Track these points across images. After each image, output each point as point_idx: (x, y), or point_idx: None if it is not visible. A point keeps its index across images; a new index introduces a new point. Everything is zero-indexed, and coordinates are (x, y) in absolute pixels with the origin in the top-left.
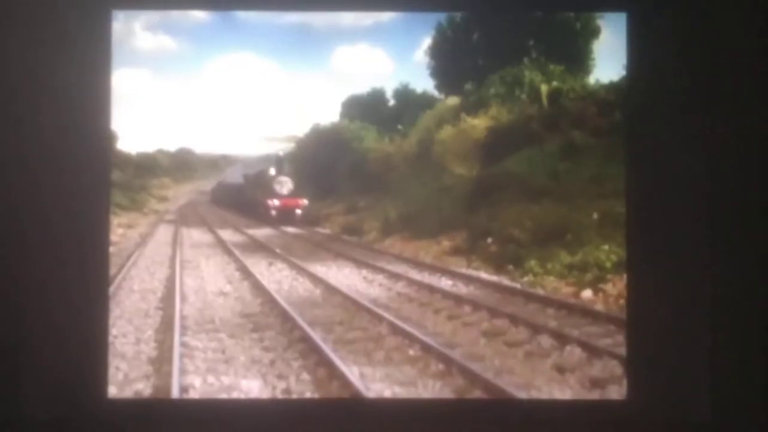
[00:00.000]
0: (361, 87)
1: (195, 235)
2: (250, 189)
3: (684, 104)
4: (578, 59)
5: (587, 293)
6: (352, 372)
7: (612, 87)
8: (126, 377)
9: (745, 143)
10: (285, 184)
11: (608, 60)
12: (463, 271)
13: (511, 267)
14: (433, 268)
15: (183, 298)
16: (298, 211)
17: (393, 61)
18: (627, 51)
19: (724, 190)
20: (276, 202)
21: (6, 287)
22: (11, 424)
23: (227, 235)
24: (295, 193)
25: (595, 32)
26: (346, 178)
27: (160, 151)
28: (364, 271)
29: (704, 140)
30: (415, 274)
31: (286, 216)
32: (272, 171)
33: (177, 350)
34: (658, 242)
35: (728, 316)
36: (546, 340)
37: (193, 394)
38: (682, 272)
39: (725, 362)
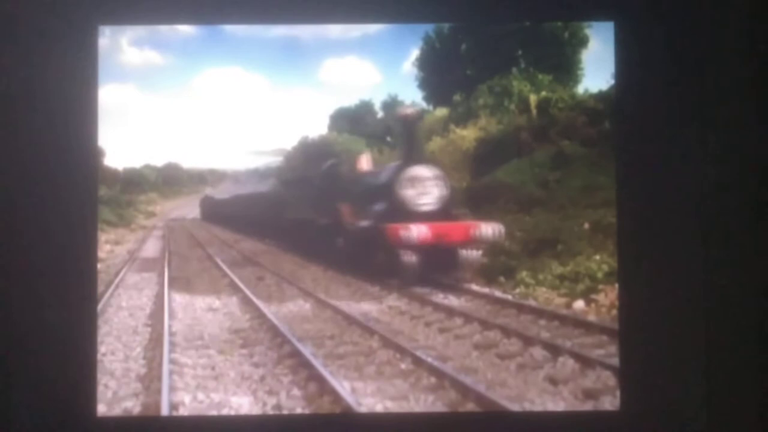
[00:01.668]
0: (350, 99)
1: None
2: (317, 201)
3: (673, 112)
4: (567, 69)
5: (579, 304)
6: (343, 387)
7: (601, 96)
8: (115, 395)
9: (735, 151)
10: (430, 188)
11: (597, 69)
12: (455, 283)
13: (502, 278)
14: (424, 281)
15: (171, 315)
16: (474, 253)
17: (381, 72)
18: (615, 60)
19: (715, 198)
20: (415, 233)
21: None
22: None
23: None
24: (450, 209)
25: (583, 41)
26: None
27: (147, 166)
28: (354, 285)
29: (694, 148)
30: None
31: (439, 262)
32: (364, 160)
33: (166, 367)
34: (650, 252)
35: (722, 326)
36: (538, 352)
37: (183, 412)
38: (674, 282)
39: (719, 372)
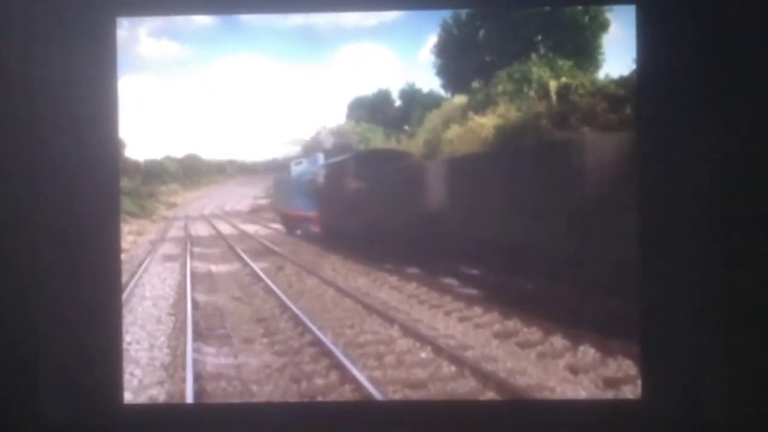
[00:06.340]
0: (367, 88)
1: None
2: None
3: (696, 98)
4: (587, 54)
5: None
6: (363, 375)
7: (622, 81)
8: (141, 383)
9: (760, 137)
10: None
11: (618, 54)
12: (474, 272)
13: None
14: (443, 270)
15: (194, 304)
16: None
17: (398, 60)
18: (636, 44)
19: (739, 187)
20: None
21: (21, 296)
22: (29, 430)
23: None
24: None
25: (604, 26)
26: None
27: (168, 158)
28: (374, 274)
29: (718, 134)
30: (424, 276)
31: None
32: None
33: (190, 356)
34: (672, 239)
35: (743, 314)
36: (559, 341)
37: (207, 399)
38: (696, 269)
39: (741, 360)
